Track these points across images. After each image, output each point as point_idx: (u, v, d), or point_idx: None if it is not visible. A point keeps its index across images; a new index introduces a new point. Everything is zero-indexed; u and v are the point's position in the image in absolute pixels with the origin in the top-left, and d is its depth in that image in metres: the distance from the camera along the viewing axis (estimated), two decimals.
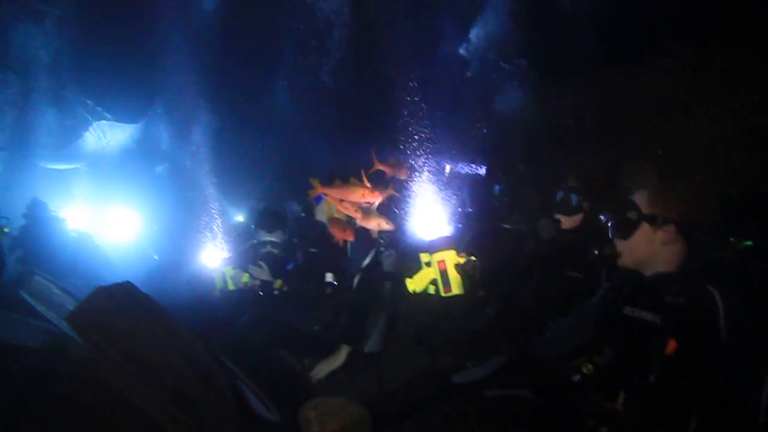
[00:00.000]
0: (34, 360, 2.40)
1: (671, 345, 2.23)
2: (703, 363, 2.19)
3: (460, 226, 4.05)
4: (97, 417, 1.82)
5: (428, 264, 3.14)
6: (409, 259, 3.80)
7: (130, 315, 1.88)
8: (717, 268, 2.32)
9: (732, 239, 2.57)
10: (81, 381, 1.86)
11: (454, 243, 3.14)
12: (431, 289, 3.15)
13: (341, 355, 3.98)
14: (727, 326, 2.14)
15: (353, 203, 3.81)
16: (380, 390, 4.01)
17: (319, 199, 4.37)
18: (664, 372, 2.22)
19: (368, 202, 3.79)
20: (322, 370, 3.94)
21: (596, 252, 2.57)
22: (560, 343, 2.86)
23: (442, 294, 3.08)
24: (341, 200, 3.85)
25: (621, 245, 2.53)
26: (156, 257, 8.67)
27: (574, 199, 3.22)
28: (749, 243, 2.63)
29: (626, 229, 2.48)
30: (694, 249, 2.40)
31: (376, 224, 3.81)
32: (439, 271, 3.08)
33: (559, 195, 3.30)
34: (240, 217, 7.87)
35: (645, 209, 2.44)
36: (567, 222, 3.27)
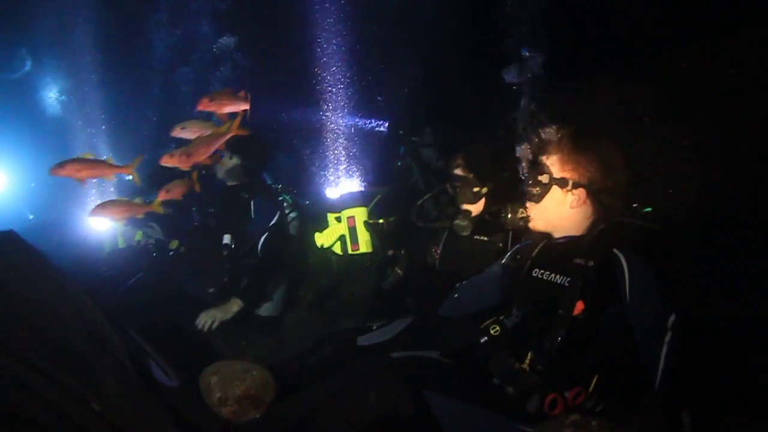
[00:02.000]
0: None
1: (579, 306, 2.28)
2: (608, 323, 2.26)
3: (366, 184, 3.97)
4: None
5: (338, 219, 3.06)
6: (316, 217, 3.71)
7: (13, 268, 1.68)
8: (621, 232, 2.38)
9: (635, 205, 2.65)
10: None
11: (364, 200, 3.09)
12: (338, 247, 3.08)
13: (232, 308, 3.81)
14: (631, 288, 2.21)
15: None
16: (280, 354, 3.93)
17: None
18: (571, 332, 2.28)
19: None
20: (208, 317, 3.73)
21: (508, 215, 2.57)
22: (468, 304, 2.89)
23: (350, 251, 3.03)
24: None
25: (532, 209, 2.55)
26: (32, 216, 8.04)
27: (472, 191, 3.18)
28: (649, 209, 2.73)
29: (538, 192, 2.50)
30: (602, 213, 2.46)
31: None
32: (348, 228, 3.02)
33: (457, 185, 3.24)
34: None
35: (556, 173, 2.47)
36: (475, 208, 3.24)
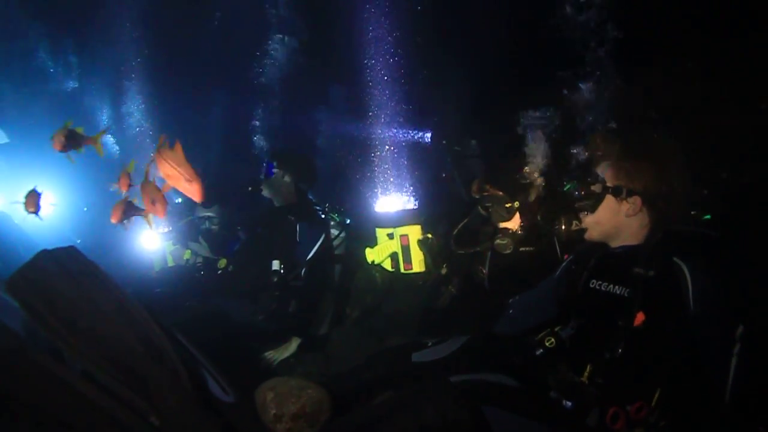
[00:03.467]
0: None
1: (639, 317, 2.21)
2: (671, 335, 2.18)
3: (418, 200, 3.93)
4: (29, 408, 1.62)
5: (390, 236, 3.02)
6: (364, 234, 3.69)
7: (75, 282, 1.69)
8: (681, 240, 2.31)
9: (693, 212, 2.58)
10: (8, 370, 1.65)
11: (418, 218, 3.04)
12: (389, 264, 3.04)
13: (292, 346, 3.86)
14: (695, 298, 2.13)
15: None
16: (328, 371, 3.91)
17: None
18: (631, 344, 2.21)
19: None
20: (271, 358, 3.82)
21: (562, 227, 2.52)
22: (523, 319, 2.83)
23: (402, 270, 2.98)
24: None
25: (586, 219, 2.49)
26: (78, 240, 8.17)
27: (504, 208, 3.13)
28: (708, 216, 2.65)
29: (591, 202, 2.44)
30: (660, 220, 2.38)
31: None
32: (401, 246, 2.98)
33: (489, 206, 3.18)
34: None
35: (609, 181, 2.40)
36: (512, 224, 3.19)
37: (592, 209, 2.44)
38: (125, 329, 1.78)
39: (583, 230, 2.51)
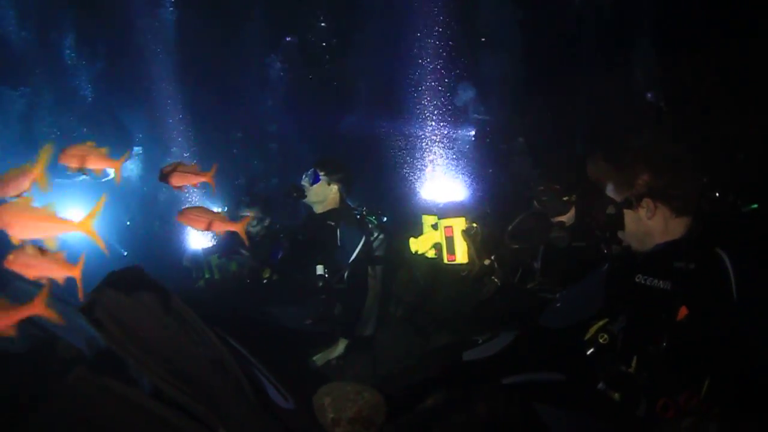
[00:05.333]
0: (25, 367, 2.30)
1: (682, 311, 2.23)
2: (715, 326, 2.19)
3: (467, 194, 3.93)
4: (98, 425, 1.71)
5: (434, 227, 3.04)
6: (406, 233, 3.71)
7: (143, 302, 1.77)
8: (725, 231, 2.31)
9: (738, 202, 2.56)
10: (76, 390, 1.74)
11: (465, 211, 3.04)
12: (432, 253, 3.06)
13: (339, 348, 3.93)
14: (739, 288, 2.13)
15: None
16: (376, 372, 3.97)
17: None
18: (676, 337, 2.22)
19: None
20: (319, 360, 3.89)
21: (605, 251, 2.58)
22: (571, 313, 2.84)
23: (445, 261, 3.00)
24: None
25: (622, 236, 2.54)
26: (125, 253, 8.33)
27: (561, 202, 3.13)
28: (755, 206, 2.63)
29: (615, 222, 2.49)
30: (685, 207, 2.39)
31: None
32: (444, 237, 2.99)
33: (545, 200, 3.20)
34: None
35: (617, 197, 2.46)
36: (567, 218, 3.19)
37: (621, 227, 2.50)
38: (190, 345, 1.86)
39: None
